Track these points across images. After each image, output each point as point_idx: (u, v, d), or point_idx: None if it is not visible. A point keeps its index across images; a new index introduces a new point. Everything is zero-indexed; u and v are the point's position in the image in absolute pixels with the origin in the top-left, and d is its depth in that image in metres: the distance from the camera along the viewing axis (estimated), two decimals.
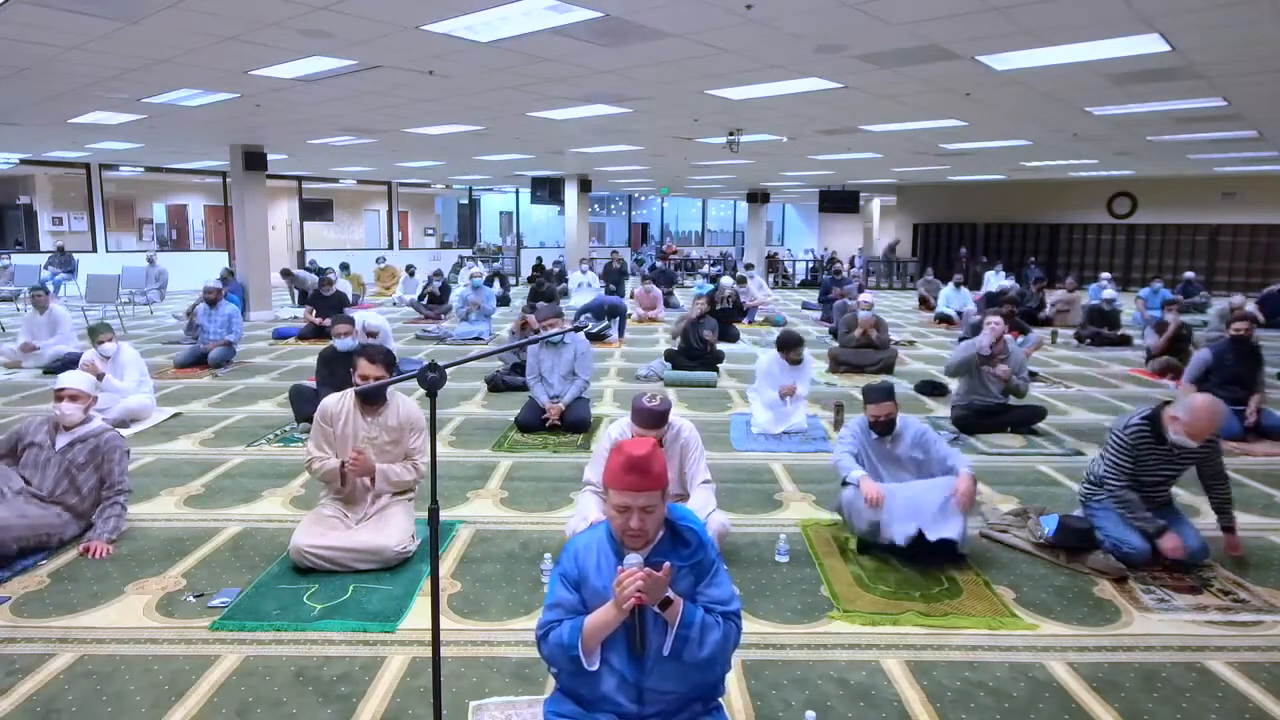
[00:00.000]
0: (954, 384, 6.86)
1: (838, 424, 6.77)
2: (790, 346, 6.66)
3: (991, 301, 12.34)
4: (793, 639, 3.42)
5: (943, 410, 7.20)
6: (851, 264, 25.31)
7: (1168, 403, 4.11)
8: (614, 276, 18.78)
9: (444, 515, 4.52)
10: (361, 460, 4.04)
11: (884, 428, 4.33)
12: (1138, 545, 4.01)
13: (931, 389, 8.18)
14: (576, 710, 2.39)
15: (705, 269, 26.54)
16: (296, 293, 16.22)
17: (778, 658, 3.28)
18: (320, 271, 14.65)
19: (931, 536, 3.95)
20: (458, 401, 7.70)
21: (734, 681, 3.09)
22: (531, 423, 6.54)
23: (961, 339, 11.29)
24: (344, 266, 17.42)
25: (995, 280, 17.50)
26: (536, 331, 7.72)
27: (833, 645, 3.37)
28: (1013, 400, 6.88)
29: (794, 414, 6.57)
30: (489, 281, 15.53)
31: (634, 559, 2.29)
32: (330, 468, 4.06)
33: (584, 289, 15.58)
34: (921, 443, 4.33)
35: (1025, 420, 6.74)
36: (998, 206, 23.59)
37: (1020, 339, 9.42)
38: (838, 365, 9.38)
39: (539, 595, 3.73)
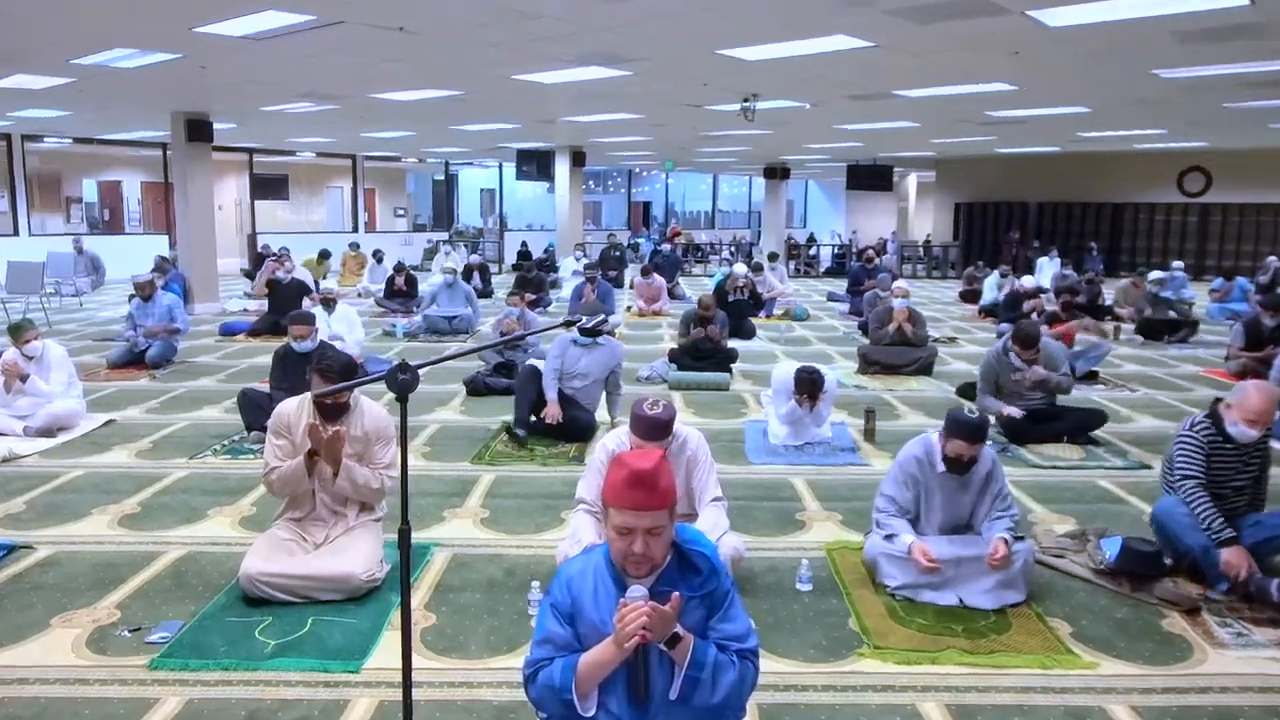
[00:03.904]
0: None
1: (868, 433, 6.77)
2: (807, 389, 6.38)
3: (1016, 303, 12.23)
4: (817, 679, 3.42)
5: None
6: (883, 249, 25.32)
7: (1219, 399, 4.33)
8: (611, 264, 18.79)
9: (416, 537, 4.48)
10: (341, 439, 4.02)
11: (961, 467, 4.13)
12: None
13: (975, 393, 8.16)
14: None
15: (725, 254, 26.52)
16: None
17: (799, 700, 3.28)
18: (275, 255, 14.64)
19: (972, 604, 3.98)
20: (432, 407, 7.68)
21: None
22: (537, 407, 6.58)
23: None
24: (325, 255, 17.53)
25: (1050, 268, 17.50)
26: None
27: (862, 687, 3.37)
28: (1062, 400, 6.88)
29: (814, 427, 6.56)
30: (467, 275, 15.51)
31: (637, 590, 2.29)
32: (294, 465, 4.06)
33: (578, 277, 15.56)
34: (989, 478, 4.20)
35: (1083, 426, 6.74)
36: (1052, 183, 23.59)
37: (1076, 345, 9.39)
38: (869, 365, 9.37)
39: (525, 629, 3.73)
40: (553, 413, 6.52)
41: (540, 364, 6.91)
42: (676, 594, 2.29)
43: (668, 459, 2.45)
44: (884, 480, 4.35)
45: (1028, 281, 12.55)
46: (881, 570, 4.14)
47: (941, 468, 4.17)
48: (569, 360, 6.75)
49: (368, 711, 3.18)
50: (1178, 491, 4.24)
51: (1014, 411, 6.56)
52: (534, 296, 13.02)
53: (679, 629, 2.31)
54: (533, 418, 6.67)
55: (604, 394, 6.92)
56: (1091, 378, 9.00)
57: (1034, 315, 11.13)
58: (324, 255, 17.63)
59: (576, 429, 6.64)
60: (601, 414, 6.95)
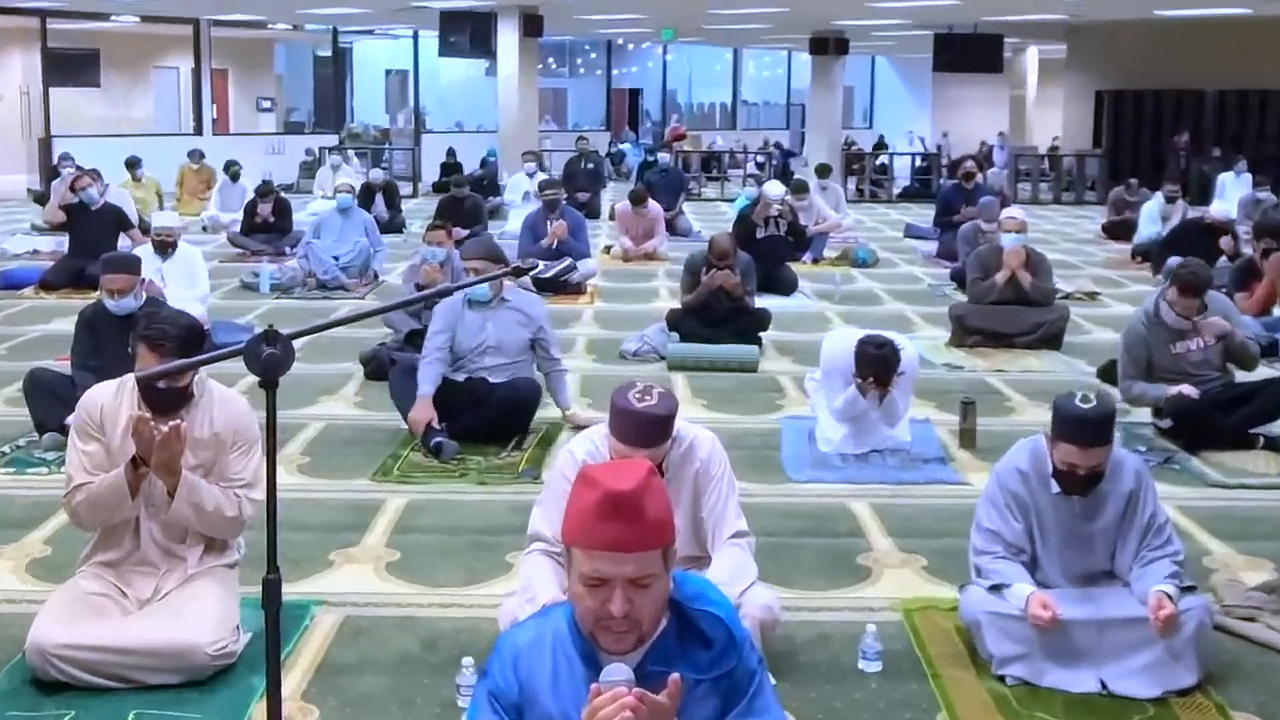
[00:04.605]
0: None
1: (965, 436, 6.77)
2: (874, 370, 6.33)
3: (1177, 242, 12.13)
4: None
5: (1141, 412, 7.19)
6: (987, 160, 25.31)
7: None
8: (582, 181, 18.70)
9: (291, 592, 4.46)
10: (180, 438, 3.93)
11: (1081, 485, 4.10)
12: None
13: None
14: None
15: (752, 167, 26.41)
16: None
17: None
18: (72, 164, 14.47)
19: (1120, 690, 3.95)
20: (315, 396, 7.72)
21: None
22: (456, 405, 6.58)
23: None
24: (133, 164, 17.34)
25: (1237, 188, 17.45)
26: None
27: None
28: (1240, 375, 6.95)
29: (885, 427, 6.57)
30: (365, 200, 15.42)
31: (617, 671, 2.25)
32: (110, 481, 4.01)
33: (531, 202, 15.52)
34: (1133, 501, 4.16)
35: (1274, 406, 6.74)
36: (1239, 62, 23.55)
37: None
38: (967, 334, 9.39)
39: None
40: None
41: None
42: (676, 676, 2.23)
43: (661, 476, 2.41)
44: (979, 505, 4.32)
45: (1216, 211, 12.40)
46: (986, 639, 4.08)
47: (1056, 488, 4.14)
48: (467, 331, 6.71)
49: None
50: None
51: (1189, 389, 6.59)
52: (467, 231, 12.97)
53: None
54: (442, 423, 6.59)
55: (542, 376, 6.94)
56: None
57: (1225, 260, 11.02)
58: (131, 165, 17.40)
59: (510, 410, 6.67)
60: (552, 413, 6.98)
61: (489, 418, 6.65)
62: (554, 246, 12.12)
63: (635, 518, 2.27)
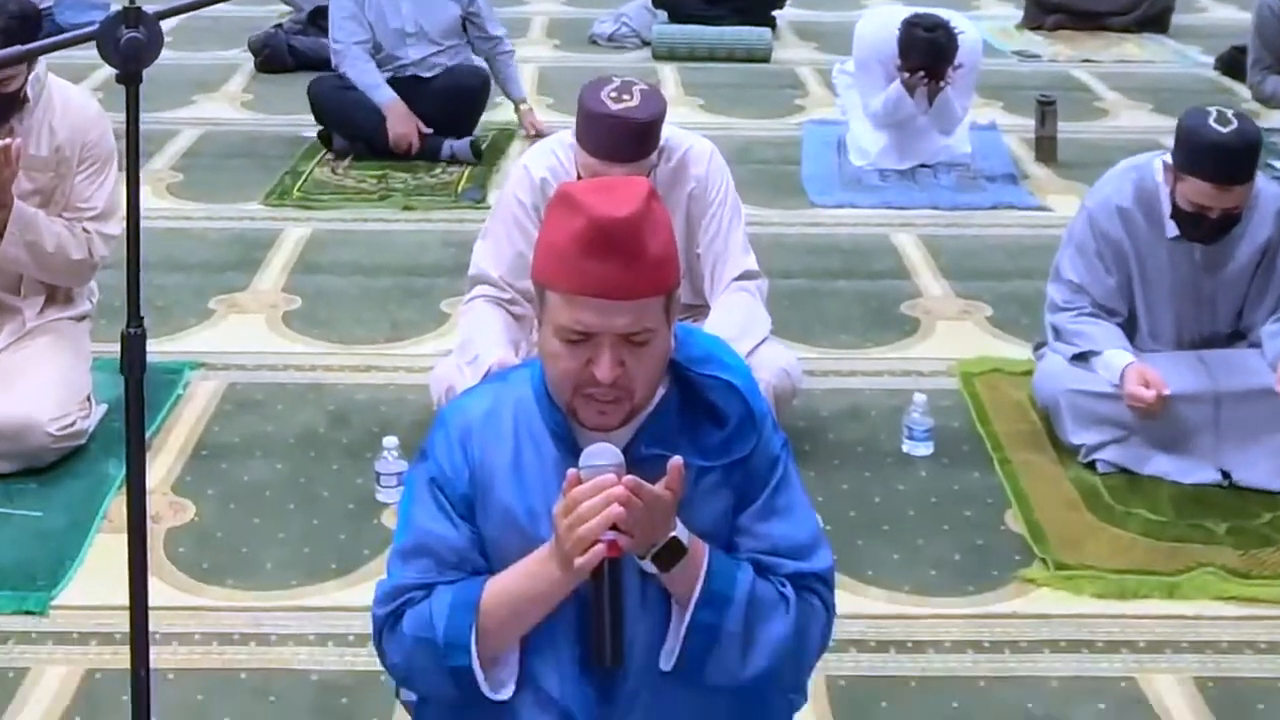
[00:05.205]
0: None
1: (1041, 146, 6.81)
2: (924, 59, 6.31)
3: None
4: (943, 630, 3.48)
5: (1275, 115, 7.11)
6: None
7: None
8: None
9: (159, 351, 4.45)
10: (9, 159, 3.89)
11: (1211, 231, 4.01)
12: None
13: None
14: None
15: None
16: None
17: (912, 670, 3.35)
18: None
19: (1246, 481, 3.99)
20: (190, 94, 7.92)
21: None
22: (376, 139, 6.68)
23: None
24: None
25: None
26: None
27: (1030, 645, 3.43)
28: None
29: (937, 135, 6.57)
30: None
31: (603, 453, 2.19)
32: None
33: None
34: (1272, 250, 4.12)
35: None
36: None
37: None
38: (1045, 12, 9.54)
39: (372, 531, 3.78)
40: (404, 131, 6.58)
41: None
42: (677, 460, 2.17)
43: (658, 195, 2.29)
44: (1062, 248, 4.30)
45: None
46: (1067, 426, 4.13)
47: (1173, 230, 4.06)
48: (377, 13, 6.76)
49: (59, 694, 3.20)
50: None
51: None
52: None
53: (680, 530, 2.20)
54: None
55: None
56: None
57: None
58: None
59: (448, 105, 6.79)
60: (505, 114, 7.01)
61: (422, 118, 6.66)
62: None
63: (633, 254, 2.19)
